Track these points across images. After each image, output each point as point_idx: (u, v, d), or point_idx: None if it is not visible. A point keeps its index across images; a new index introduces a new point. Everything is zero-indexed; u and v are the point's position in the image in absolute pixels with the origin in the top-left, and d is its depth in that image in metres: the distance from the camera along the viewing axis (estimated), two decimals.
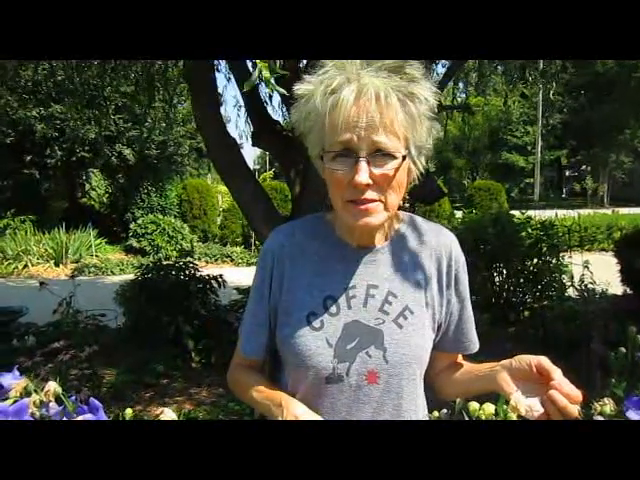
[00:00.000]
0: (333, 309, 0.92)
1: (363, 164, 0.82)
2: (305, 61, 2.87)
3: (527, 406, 0.80)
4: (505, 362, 0.88)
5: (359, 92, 0.81)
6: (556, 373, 0.80)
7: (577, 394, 0.77)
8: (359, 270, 0.95)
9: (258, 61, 0.87)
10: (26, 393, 0.70)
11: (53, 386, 0.69)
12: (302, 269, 0.96)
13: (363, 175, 0.81)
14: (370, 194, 0.84)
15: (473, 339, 1.04)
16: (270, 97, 4.50)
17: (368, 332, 0.92)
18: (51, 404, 0.70)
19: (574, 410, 0.76)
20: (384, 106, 0.81)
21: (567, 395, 0.76)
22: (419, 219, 1.03)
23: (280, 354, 0.99)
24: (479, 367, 0.98)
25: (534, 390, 0.82)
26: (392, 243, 0.97)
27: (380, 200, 0.85)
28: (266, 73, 0.87)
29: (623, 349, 1.14)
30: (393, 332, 0.92)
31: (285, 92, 0.94)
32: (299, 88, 0.88)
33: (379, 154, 0.83)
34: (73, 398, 0.73)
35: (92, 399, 0.74)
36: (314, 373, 0.91)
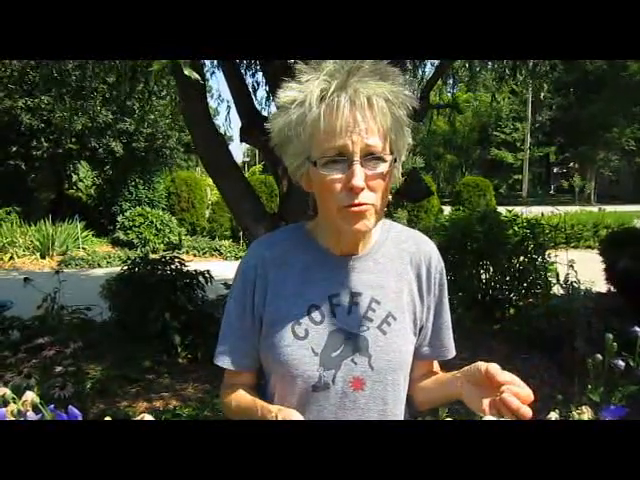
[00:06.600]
0: (317, 317, 0.92)
1: (358, 167, 0.82)
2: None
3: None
4: (463, 369, 0.88)
5: (353, 98, 0.82)
6: (502, 376, 0.78)
7: (527, 393, 0.75)
8: (342, 278, 0.95)
9: None
10: (3, 402, 0.70)
11: (31, 396, 0.68)
12: (285, 279, 0.95)
13: (359, 178, 0.82)
14: (364, 198, 0.84)
15: (450, 346, 1.05)
16: (255, 91, 4.47)
17: (353, 339, 0.92)
18: (29, 413, 0.70)
19: (528, 411, 0.74)
20: (376, 111, 0.83)
21: (516, 395, 0.75)
22: (399, 226, 1.04)
23: (264, 364, 0.99)
24: (446, 375, 0.98)
25: (488, 395, 0.81)
26: (373, 250, 0.98)
27: (373, 204, 0.86)
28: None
29: (599, 356, 1.16)
30: (377, 338, 0.93)
31: (199, 77, 0.93)
32: (286, 95, 0.87)
33: (371, 157, 0.83)
34: (52, 407, 0.73)
35: (71, 407, 0.74)
36: (301, 382, 0.91)
